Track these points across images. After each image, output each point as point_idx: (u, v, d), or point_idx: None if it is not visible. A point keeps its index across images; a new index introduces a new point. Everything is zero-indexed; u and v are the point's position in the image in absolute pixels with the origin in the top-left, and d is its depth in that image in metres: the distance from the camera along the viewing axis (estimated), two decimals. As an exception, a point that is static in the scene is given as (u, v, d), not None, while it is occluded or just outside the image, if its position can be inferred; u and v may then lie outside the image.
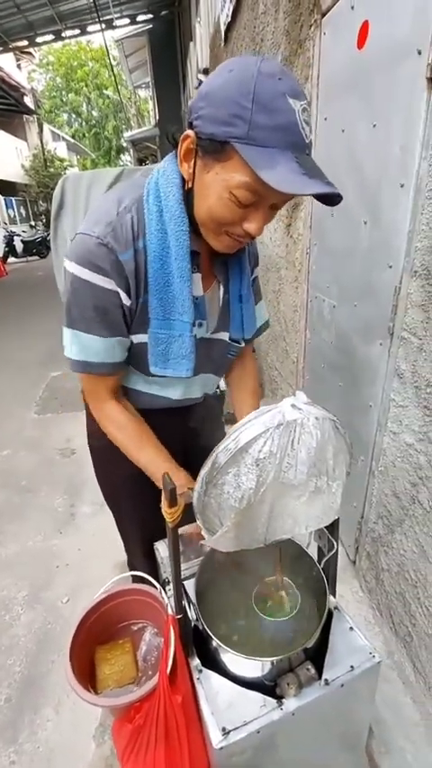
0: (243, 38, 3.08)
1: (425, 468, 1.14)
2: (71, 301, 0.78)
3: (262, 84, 0.58)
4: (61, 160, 21.57)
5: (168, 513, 0.70)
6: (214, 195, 0.67)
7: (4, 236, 12.59)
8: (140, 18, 11.10)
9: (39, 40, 11.92)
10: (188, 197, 0.74)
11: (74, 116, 32.97)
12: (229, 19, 3.37)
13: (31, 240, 13.18)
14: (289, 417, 0.61)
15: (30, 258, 13.14)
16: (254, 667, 0.79)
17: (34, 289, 8.47)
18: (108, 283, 0.74)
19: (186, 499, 0.70)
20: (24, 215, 19.31)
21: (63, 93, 31.35)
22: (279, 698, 0.77)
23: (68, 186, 1.13)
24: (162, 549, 1.04)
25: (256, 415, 0.62)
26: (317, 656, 0.82)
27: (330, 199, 0.64)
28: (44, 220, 18.34)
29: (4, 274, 10.51)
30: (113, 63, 16.62)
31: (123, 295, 0.76)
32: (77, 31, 11.76)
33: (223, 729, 0.73)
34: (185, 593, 0.89)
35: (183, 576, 0.87)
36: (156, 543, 1.06)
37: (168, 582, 0.91)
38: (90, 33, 12.14)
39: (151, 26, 11.17)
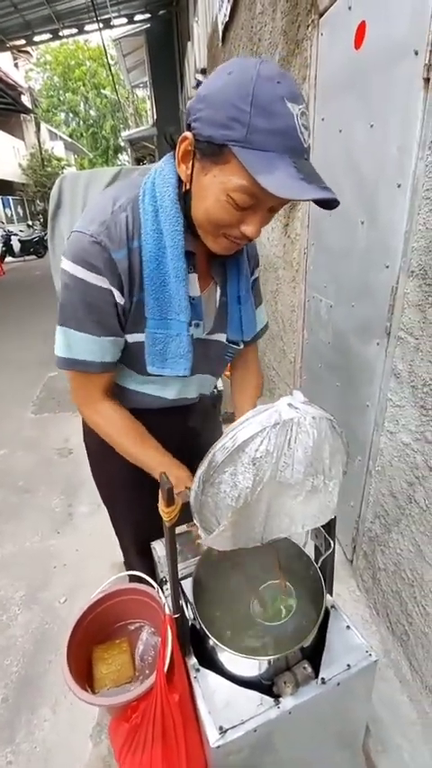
0: (240, 38, 3.08)
1: (421, 468, 1.14)
2: (65, 299, 0.78)
3: (261, 88, 0.58)
4: (59, 159, 21.54)
5: (165, 513, 0.70)
6: (212, 197, 0.67)
7: (2, 236, 12.53)
8: (138, 17, 11.09)
9: (36, 39, 11.90)
10: (186, 198, 0.74)
11: (71, 115, 32.92)
12: (227, 19, 3.37)
13: (28, 240, 13.13)
14: (286, 416, 0.61)
15: (27, 258, 13.10)
16: (251, 666, 0.79)
17: (32, 288, 8.45)
18: (101, 281, 0.74)
19: (183, 498, 0.70)
20: (22, 214, 19.27)
21: (60, 92, 31.30)
22: (276, 697, 0.77)
23: (66, 186, 1.12)
24: (159, 548, 1.04)
25: (254, 414, 0.62)
26: (314, 654, 0.83)
27: (328, 203, 0.65)
28: (41, 220, 18.26)
29: (2, 274, 10.48)
30: (111, 62, 16.61)
31: (117, 293, 0.76)
32: (75, 31, 11.75)
33: (220, 728, 0.73)
34: (182, 592, 0.89)
35: (180, 576, 0.88)
36: (153, 543, 1.06)
37: (166, 581, 0.91)
38: (88, 33, 12.13)
39: (149, 26, 11.16)
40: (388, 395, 1.29)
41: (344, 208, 1.44)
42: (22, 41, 12.11)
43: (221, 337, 0.94)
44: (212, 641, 0.79)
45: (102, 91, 30.56)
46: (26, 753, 1.29)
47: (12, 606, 1.77)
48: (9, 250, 12.70)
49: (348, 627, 0.89)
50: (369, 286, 1.36)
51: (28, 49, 17.02)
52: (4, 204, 17.51)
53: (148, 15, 10.94)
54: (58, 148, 24.51)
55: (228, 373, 1.18)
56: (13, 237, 12.92)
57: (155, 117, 12.95)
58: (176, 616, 0.81)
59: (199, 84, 5.77)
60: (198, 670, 0.82)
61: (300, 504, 0.70)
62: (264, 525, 0.71)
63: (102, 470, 1.13)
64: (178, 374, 0.84)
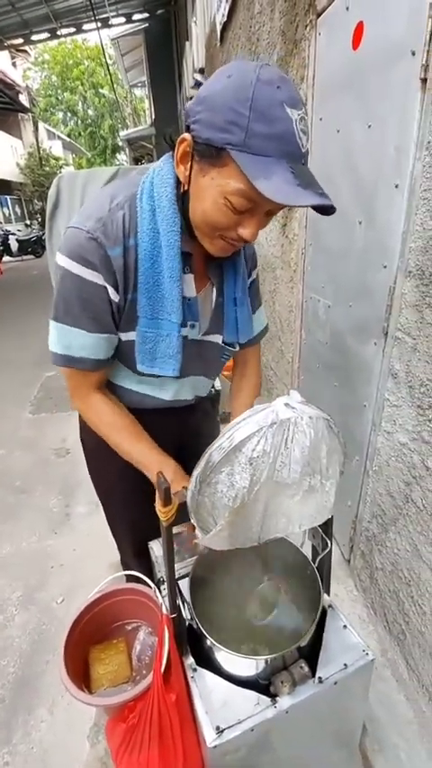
0: (239, 37, 3.08)
1: (418, 468, 1.15)
2: (59, 294, 0.78)
3: (260, 92, 0.58)
4: (57, 159, 21.51)
5: (162, 513, 0.70)
6: (209, 200, 0.67)
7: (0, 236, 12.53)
8: (136, 17, 11.08)
9: (34, 38, 11.87)
10: (183, 199, 0.74)
11: (69, 115, 32.88)
12: (225, 18, 3.37)
13: (26, 239, 13.11)
14: (283, 416, 0.61)
15: (25, 257, 13.08)
16: (248, 666, 0.79)
17: (29, 288, 8.43)
18: (96, 278, 0.74)
19: (180, 498, 0.70)
20: (19, 214, 19.24)
21: (58, 91, 31.24)
22: (273, 696, 0.77)
23: (64, 185, 1.12)
24: (157, 548, 1.04)
25: (250, 413, 0.62)
26: (311, 654, 0.83)
27: (324, 209, 0.65)
28: (39, 219, 18.24)
29: (0, 274, 10.46)
30: (109, 62, 16.59)
31: (111, 290, 0.76)
32: (73, 30, 11.73)
33: (217, 728, 0.73)
34: (180, 592, 0.89)
35: (177, 576, 0.87)
36: (150, 542, 1.06)
37: (163, 581, 0.91)
38: (86, 32, 12.10)
39: (147, 25, 11.15)
40: (385, 395, 1.29)
41: (342, 208, 1.44)
42: (20, 40, 12.08)
43: (217, 339, 0.93)
44: (209, 641, 0.79)
45: (100, 90, 30.52)
46: (23, 753, 1.29)
47: (9, 607, 1.77)
48: (7, 250, 12.69)
49: (345, 626, 0.89)
50: (367, 286, 1.36)
51: (26, 48, 17.00)
52: (1, 204, 17.47)
53: (146, 15, 10.94)
54: (56, 148, 24.48)
55: (227, 373, 1.17)
56: (10, 237, 12.91)
57: (153, 117, 12.95)
58: (173, 616, 0.80)
59: (197, 83, 5.76)
60: (195, 670, 0.81)
61: (297, 504, 0.70)
62: (261, 525, 0.71)
63: (98, 468, 1.12)
64: (167, 374, 0.84)
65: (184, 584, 0.90)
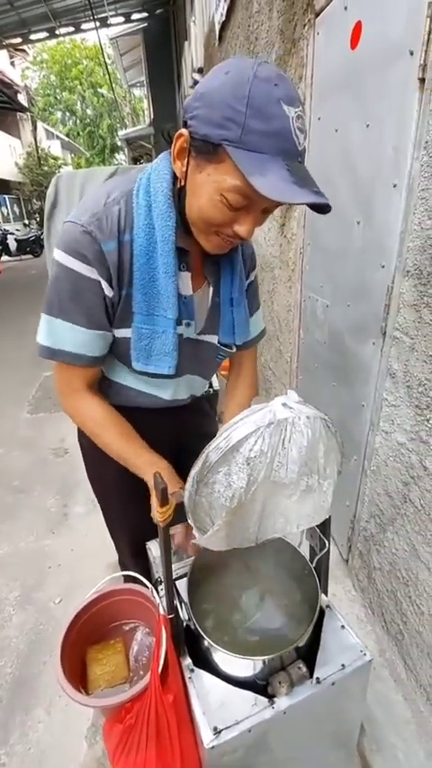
0: (237, 37, 3.08)
1: (416, 468, 1.15)
2: (52, 288, 0.77)
3: (257, 89, 0.58)
4: (55, 158, 21.48)
5: (159, 513, 0.69)
6: (205, 196, 0.67)
7: (-2, 235, 12.52)
8: (135, 16, 11.07)
9: (32, 37, 11.87)
10: (180, 195, 0.74)
11: (68, 114, 32.84)
12: (224, 18, 3.37)
13: (24, 239, 13.10)
14: (280, 416, 0.61)
15: (23, 257, 13.06)
16: (245, 666, 0.79)
17: (28, 288, 8.42)
18: (90, 272, 0.74)
19: (177, 498, 0.70)
20: (18, 213, 19.21)
21: (57, 91, 31.21)
22: (271, 697, 0.77)
23: (62, 185, 1.12)
24: (154, 548, 1.04)
25: (248, 413, 0.62)
26: (308, 654, 0.82)
27: (320, 208, 0.65)
28: (38, 219, 18.23)
29: (-2, 273, 10.45)
30: (108, 61, 16.57)
31: (105, 285, 0.76)
32: (71, 29, 11.72)
33: (215, 729, 0.73)
34: (177, 592, 0.88)
35: (175, 576, 0.87)
36: (148, 543, 1.06)
37: (160, 581, 0.91)
38: (84, 31, 12.09)
39: (146, 24, 11.14)
40: (383, 394, 1.29)
41: (340, 208, 1.45)
42: (19, 40, 12.07)
43: (213, 339, 0.93)
44: (207, 641, 0.79)
45: (99, 90, 30.50)
46: (20, 754, 1.29)
47: (6, 607, 1.77)
48: (5, 249, 12.68)
49: (343, 626, 0.89)
50: (365, 286, 1.36)
51: (24, 47, 16.96)
52: (0, 203, 17.43)
53: (145, 14, 10.93)
54: (54, 147, 24.45)
55: (224, 372, 1.17)
56: (9, 236, 12.89)
57: (152, 116, 12.94)
58: (171, 616, 0.80)
59: (196, 83, 5.76)
60: (193, 670, 0.81)
61: (294, 504, 0.70)
62: (258, 525, 0.71)
63: (96, 469, 1.12)
64: (162, 372, 0.83)
65: (181, 585, 0.90)
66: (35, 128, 19.63)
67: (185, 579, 0.90)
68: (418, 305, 1.09)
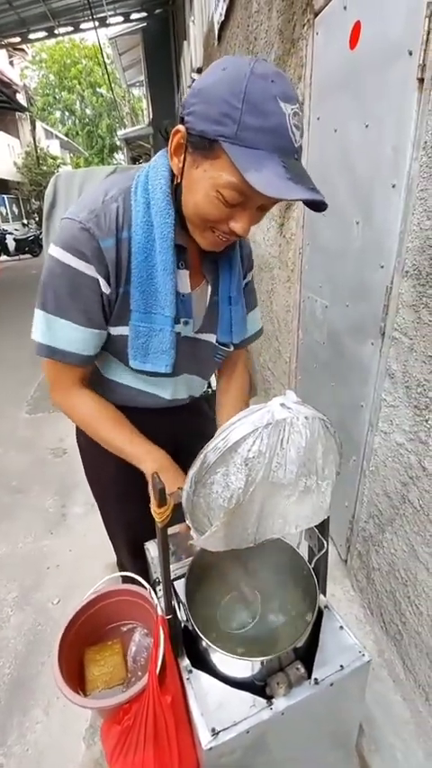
0: (236, 36, 3.08)
1: (415, 468, 1.15)
2: (48, 284, 0.76)
3: (253, 85, 0.58)
4: (54, 158, 21.45)
5: (158, 513, 0.69)
6: (201, 192, 0.67)
7: (-4, 235, 12.51)
8: (134, 16, 11.06)
9: (31, 36, 11.84)
10: (177, 191, 0.74)
11: (67, 114, 32.82)
12: (223, 18, 3.37)
13: (23, 238, 13.08)
14: (278, 416, 0.60)
15: (22, 256, 13.05)
16: (244, 667, 0.79)
17: (27, 287, 8.40)
18: (88, 269, 0.74)
19: (176, 499, 0.69)
20: (17, 213, 19.19)
21: (56, 90, 31.19)
22: (269, 698, 0.77)
23: (61, 184, 1.12)
24: (152, 548, 1.04)
25: (246, 414, 0.62)
26: (307, 655, 0.82)
27: (316, 205, 0.65)
28: (37, 218, 18.20)
29: (-4, 273, 10.43)
30: (107, 61, 16.56)
31: (103, 283, 0.76)
32: (70, 29, 11.69)
33: (212, 730, 0.73)
34: (175, 593, 0.88)
35: (173, 576, 0.87)
36: (146, 543, 1.06)
37: (158, 582, 0.91)
38: (83, 31, 12.07)
39: (145, 24, 11.13)
40: (382, 395, 1.29)
41: (339, 208, 1.45)
42: (18, 39, 12.05)
43: (211, 338, 0.93)
44: (205, 642, 0.78)
45: (98, 89, 30.48)
46: (18, 755, 1.28)
47: (4, 607, 1.76)
48: (4, 249, 12.67)
49: (342, 627, 0.88)
50: (364, 286, 1.36)
51: (23, 46, 16.95)
52: (-2, 203, 17.42)
53: (144, 14, 10.92)
54: (53, 147, 24.43)
55: None
56: (8, 236, 12.88)
57: (151, 116, 12.93)
58: (169, 617, 0.80)
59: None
60: (191, 671, 0.81)
61: (293, 505, 0.69)
62: (257, 526, 0.71)
63: (94, 468, 1.12)
64: (159, 370, 0.83)
65: (179, 586, 0.90)
66: (34, 127, 19.60)
67: (184, 580, 0.90)
68: (416, 305, 1.09)
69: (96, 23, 10.21)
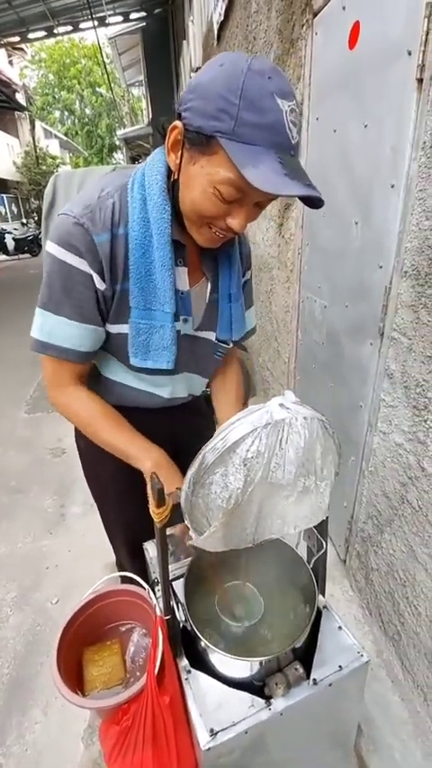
0: (236, 36, 3.08)
1: (414, 468, 1.15)
2: (45, 281, 0.77)
3: (251, 81, 0.58)
4: (53, 158, 21.44)
5: (156, 513, 0.69)
6: (198, 188, 0.67)
7: (-4, 234, 12.50)
8: (133, 16, 11.04)
9: (31, 36, 11.84)
10: (174, 188, 0.74)
11: (66, 113, 32.79)
12: (222, 18, 3.37)
13: (22, 238, 13.07)
14: (277, 417, 0.60)
15: (21, 256, 13.04)
16: (242, 668, 0.78)
17: (26, 287, 8.39)
18: (81, 264, 0.74)
19: (174, 499, 0.69)
20: (16, 212, 19.17)
21: (55, 90, 31.15)
22: (267, 698, 0.77)
23: (60, 184, 1.12)
24: (151, 549, 1.03)
25: (244, 414, 0.61)
26: (305, 655, 0.82)
27: (313, 202, 0.65)
28: (36, 218, 18.20)
29: (-5, 272, 10.42)
30: (106, 61, 16.54)
31: (97, 278, 0.75)
32: (70, 28, 11.68)
33: (211, 730, 0.73)
34: (174, 593, 0.88)
35: (172, 577, 0.87)
36: (145, 543, 1.06)
37: (157, 582, 0.90)
38: (83, 30, 12.07)
39: (144, 24, 11.11)
40: (381, 395, 1.29)
41: (338, 208, 1.45)
42: (17, 38, 12.04)
43: (210, 335, 0.93)
44: (203, 643, 0.78)
45: (97, 89, 30.45)
46: (17, 755, 1.28)
47: (3, 607, 1.76)
48: (3, 248, 12.65)
49: (340, 627, 0.88)
50: (363, 286, 1.36)
51: (22, 46, 16.94)
52: (-2, 202, 17.40)
53: (143, 14, 10.90)
54: (52, 146, 24.42)
55: None
56: (7, 236, 12.87)
57: (150, 116, 12.92)
58: (167, 617, 0.80)
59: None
60: (189, 672, 0.81)
61: (291, 505, 0.69)
62: (255, 526, 0.71)
63: (93, 468, 1.12)
64: (161, 367, 0.83)
65: (178, 586, 0.90)
66: (33, 127, 19.57)
67: (182, 580, 0.90)
68: (415, 305, 1.09)
69: (96, 23, 10.19)
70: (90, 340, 0.81)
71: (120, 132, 17.45)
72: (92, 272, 0.75)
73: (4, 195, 18.17)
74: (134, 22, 11.28)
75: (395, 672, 1.32)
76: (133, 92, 25.52)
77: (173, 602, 0.82)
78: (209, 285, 0.89)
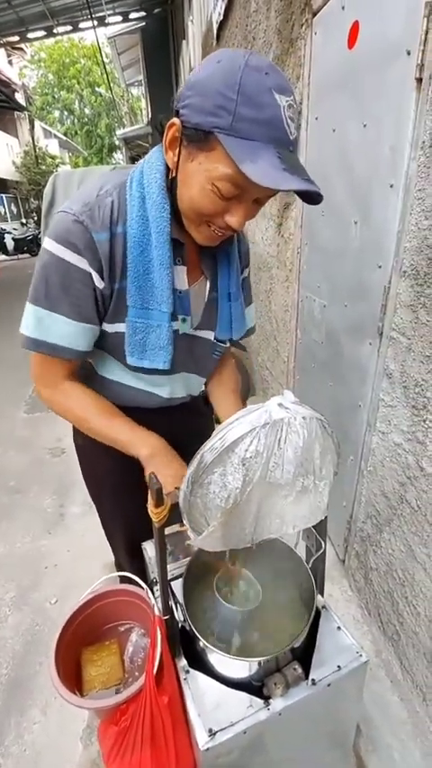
0: (235, 36, 3.08)
1: (413, 468, 1.15)
2: (40, 277, 0.76)
3: (248, 77, 0.58)
4: (53, 157, 21.42)
5: (155, 513, 0.69)
6: (197, 185, 0.67)
7: (-5, 234, 12.49)
8: (133, 15, 11.02)
9: (30, 35, 11.82)
10: (172, 185, 0.74)
11: (66, 113, 32.77)
12: (221, 17, 3.37)
13: (22, 238, 13.05)
14: (276, 416, 0.60)
15: (21, 256, 13.02)
16: (241, 668, 0.78)
17: (25, 287, 8.24)
18: (80, 262, 0.73)
19: (173, 498, 0.69)
20: (15, 212, 19.15)
21: (55, 89, 31.13)
22: (266, 698, 0.77)
23: (59, 183, 1.12)
24: (150, 548, 1.03)
25: (243, 414, 0.61)
26: (304, 655, 0.82)
27: (312, 198, 0.65)
28: (35, 218, 18.18)
29: (-5, 272, 10.41)
30: (106, 60, 16.52)
31: (96, 276, 0.75)
32: (69, 28, 11.67)
33: (210, 730, 0.72)
34: (173, 593, 0.88)
35: (170, 577, 0.87)
36: (144, 543, 1.06)
37: (156, 582, 0.90)
38: (82, 30, 12.05)
39: (144, 24, 11.10)
40: (380, 395, 1.29)
41: (337, 207, 1.45)
42: (16, 38, 12.03)
43: (209, 335, 0.92)
44: (202, 642, 0.78)
45: (96, 89, 30.43)
46: (15, 755, 1.28)
47: (2, 607, 1.76)
48: (3, 248, 12.64)
49: (339, 627, 0.88)
50: (362, 286, 1.36)
51: (22, 45, 16.93)
52: (-3, 202, 17.39)
53: (143, 13, 10.89)
54: (52, 146, 24.40)
55: None
56: (6, 236, 12.86)
57: (150, 115, 12.91)
58: (166, 617, 0.80)
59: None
60: (188, 672, 0.81)
61: (290, 505, 0.69)
62: (254, 526, 0.71)
63: (91, 466, 1.11)
64: (157, 366, 0.82)
65: (177, 586, 0.90)
66: (33, 126, 19.55)
67: (181, 580, 0.89)
68: (414, 305, 1.09)
69: (95, 23, 10.19)
70: (86, 338, 0.81)
71: (119, 132, 17.45)
72: (91, 270, 0.74)
73: (4, 195, 18.15)
74: (133, 22, 11.26)
75: (394, 672, 1.32)
76: (133, 92, 25.50)
77: (171, 602, 0.82)
78: (208, 284, 0.89)
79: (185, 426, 1.07)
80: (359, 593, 1.57)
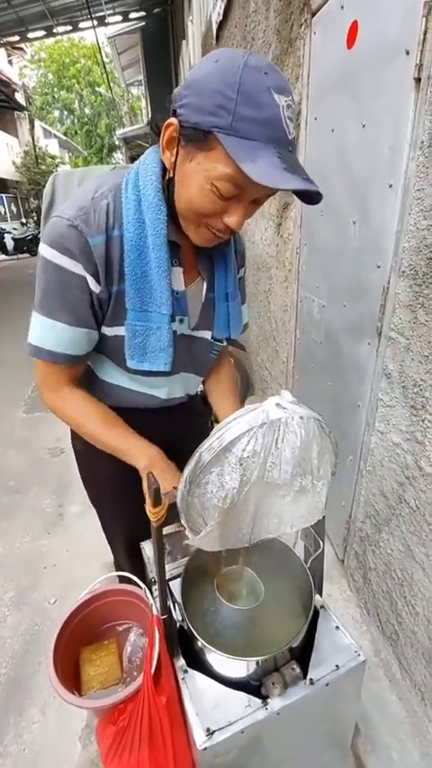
0: (234, 36, 3.08)
1: (411, 468, 1.15)
2: (39, 284, 0.76)
3: (248, 77, 0.58)
4: (53, 157, 21.41)
5: (153, 513, 0.69)
6: (196, 186, 0.67)
7: (-5, 234, 12.49)
8: (133, 15, 11.02)
9: (30, 35, 11.82)
10: (169, 186, 0.73)
11: (66, 113, 32.77)
12: (221, 17, 3.37)
13: (22, 238, 13.06)
14: (273, 416, 0.60)
15: (21, 256, 13.02)
16: (239, 667, 0.78)
17: (25, 287, 8.38)
18: (75, 267, 0.73)
19: (171, 498, 0.69)
20: (15, 212, 19.15)
21: (55, 89, 31.13)
22: (264, 698, 0.77)
23: (59, 183, 1.12)
24: (148, 548, 1.03)
25: (241, 413, 0.61)
26: (302, 655, 0.82)
27: (311, 197, 0.64)
28: (35, 218, 18.19)
29: (-5, 272, 10.41)
30: (106, 60, 16.51)
31: (91, 281, 0.75)
32: (69, 28, 11.66)
33: (207, 730, 0.72)
34: (171, 593, 0.88)
35: (169, 576, 0.87)
36: (142, 543, 1.06)
37: (154, 582, 0.90)
38: (82, 30, 12.05)
39: (144, 24, 11.10)
40: (379, 395, 1.29)
41: (336, 207, 1.45)
42: (16, 38, 12.03)
43: (206, 335, 0.92)
44: (200, 642, 0.78)
45: (96, 89, 30.42)
46: (14, 755, 1.28)
47: (1, 607, 1.76)
48: (2, 248, 12.64)
49: (337, 627, 0.88)
50: (361, 286, 1.36)
51: (22, 45, 16.93)
52: (-3, 202, 17.39)
53: (143, 13, 10.88)
54: (52, 146, 24.40)
55: None
56: (6, 235, 12.86)
57: (149, 115, 12.91)
58: (164, 617, 0.80)
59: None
60: (186, 671, 0.81)
61: (288, 505, 0.69)
62: (252, 526, 0.71)
63: (89, 470, 1.11)
64: (158, 368, 0.82)
65: (175, 585, 0.90)
66: (32, 126, 19.54)
67: (179, 580, 0.89)
68: (413, 305, 1.09)
69: (95, 23, 10.18)
70: (83, 343, 0.81)
71: (119, 132, 17.43)
72: (86, 274, 0.74)
73: (4, 195, 18.15)
74: (133, 22, 11.26)
75: (393, 671, 1.32)
76: (132, 91, 25.49)
77: (170, 602, 0.82)
78: (204, 284, 0.89)
79: (184, 426, 1.07)
80: (358, 592, 1.57)
